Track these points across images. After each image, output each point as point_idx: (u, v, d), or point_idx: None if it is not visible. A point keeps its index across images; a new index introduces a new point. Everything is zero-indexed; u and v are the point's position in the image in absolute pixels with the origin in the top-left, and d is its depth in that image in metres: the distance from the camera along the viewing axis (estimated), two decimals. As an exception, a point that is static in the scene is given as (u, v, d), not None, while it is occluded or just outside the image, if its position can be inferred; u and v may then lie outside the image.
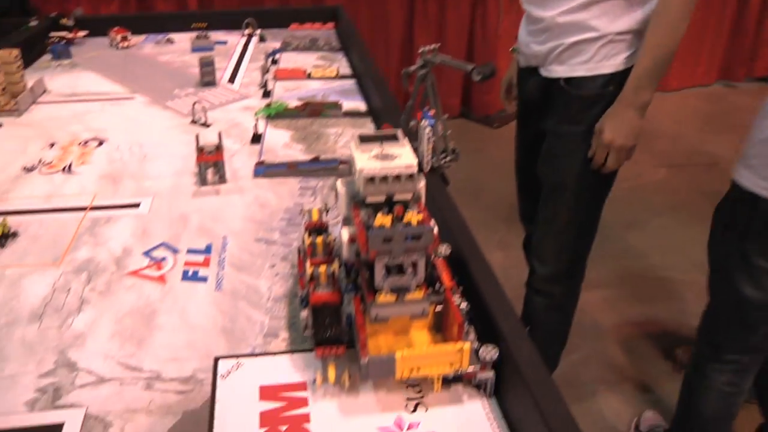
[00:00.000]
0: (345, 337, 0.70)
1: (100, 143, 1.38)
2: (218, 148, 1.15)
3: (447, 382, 0.70)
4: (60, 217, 1.08)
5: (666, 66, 1.25)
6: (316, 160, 1.19)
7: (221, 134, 1.20)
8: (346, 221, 0.71)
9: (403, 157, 0.67)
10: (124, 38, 2.16)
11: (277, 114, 1.48)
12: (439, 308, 0.72)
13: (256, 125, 1.36)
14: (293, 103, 1.55)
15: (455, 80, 3.68)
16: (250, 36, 2.29)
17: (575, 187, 1.41)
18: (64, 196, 1.13)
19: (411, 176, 0.66)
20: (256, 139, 1.33)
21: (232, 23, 2.33)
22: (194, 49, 2.09)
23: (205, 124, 1.43)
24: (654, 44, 1.23)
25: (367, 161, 0.66)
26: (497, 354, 0.67)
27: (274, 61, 1.95)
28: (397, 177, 0.66)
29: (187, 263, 0.94)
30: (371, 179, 0.66)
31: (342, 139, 1.33)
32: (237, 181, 1.16)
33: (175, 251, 0.98)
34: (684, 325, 2.03)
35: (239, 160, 1.25)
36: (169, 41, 2.23)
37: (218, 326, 0.83)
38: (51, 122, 1.50)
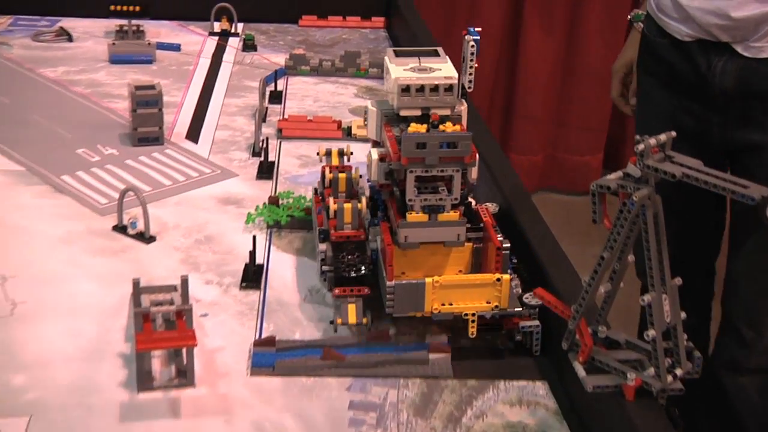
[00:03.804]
0: (369, 279, 1.12)
1: None
2: (181, 315, 1.06)
3: (484, 331, 1.11)
4: None
5: None
6: (383, 336, 1.16)
7: (187, 283, 1.08)
8: (376, 144, 1.14)
9: (442, 70, 1.07)
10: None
11: (289, 221, 1.40)
12: (477, 249, 1.14)
13: (253, 250, 1.28)
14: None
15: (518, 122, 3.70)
16: (225, 36, 2.25)
17: None
18: None
19: (450, 88, 1.06)
20: (252, 277, 1.27)
21: (189, 10, 2.30)
22: (114, 59, 2.04)
23: (144, 236, 1.35)
24: None
25: (402, 71, 1.06)
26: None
27: (276, 96, 1.90)
28: (435, 88, 1.05)
29: None
30: (406, 89, 1.05)
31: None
32: (215, 380, 1.08)
33: None
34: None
35: (219, 326, 1.18)
36: (63, 35, 2.18)
37: None
38: None
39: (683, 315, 0.94)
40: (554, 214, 3.44)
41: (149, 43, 2.06)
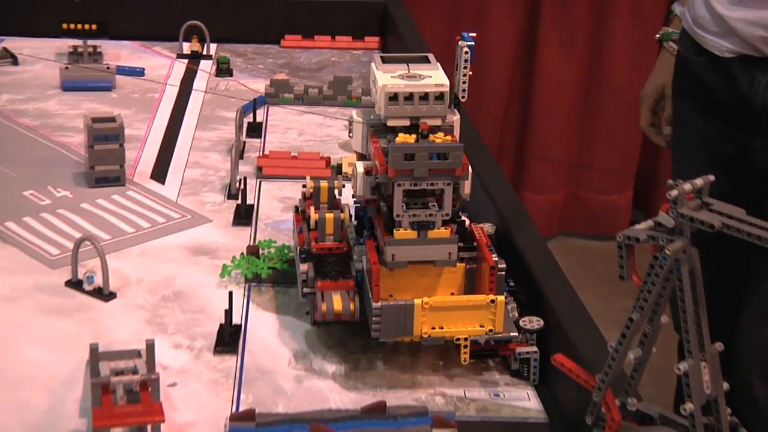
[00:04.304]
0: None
1: None
2: (145, 385, 1.06)
3: (477, 357, 1.21)
4: None
5: None
6: (378, 408, 1.14)
7: (152, 347, 1.08)
8: (362, 158, 1.23)
9: (433, 77, 1.16)
10: None
11: (271, 274, 1.40)
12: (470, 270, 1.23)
13: (229, 308, 1.28)
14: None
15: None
16: (195, 59, 2.26)
17: None
18: None
19: (441, 96, 1.14)
20: (228, 340, 1.27)
21: (154, 29, 2.32)
22: (67, 85, 2.06)
23: (103, 293, 1.36)
24: None
25: (390, 79, 1.15)
26: (542, 324, 1.19)
27: (255, 129, 1.90)
28: (425, 96, 1.14)
29: None
30: (393, 97, 1.13)
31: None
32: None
33: None
34: None
35: (189, 398, 1.18)
36: (7, 57, 2.20)
37: None
38: None
39: (726, 385, 0.93)
40: (577, 262, 3.47)
41: (108, 67, 2.08)
